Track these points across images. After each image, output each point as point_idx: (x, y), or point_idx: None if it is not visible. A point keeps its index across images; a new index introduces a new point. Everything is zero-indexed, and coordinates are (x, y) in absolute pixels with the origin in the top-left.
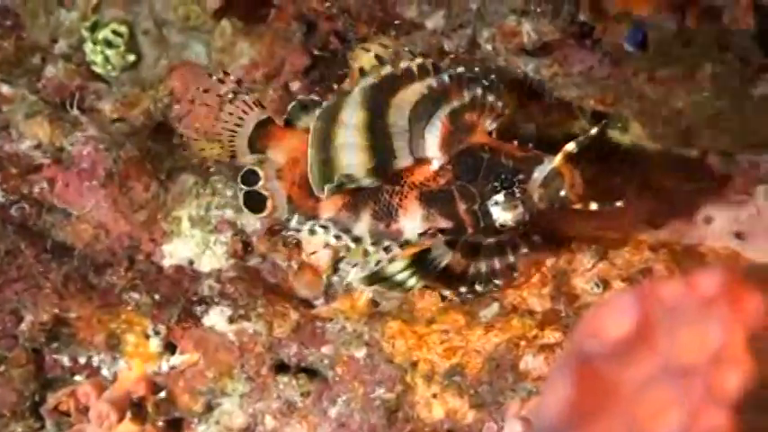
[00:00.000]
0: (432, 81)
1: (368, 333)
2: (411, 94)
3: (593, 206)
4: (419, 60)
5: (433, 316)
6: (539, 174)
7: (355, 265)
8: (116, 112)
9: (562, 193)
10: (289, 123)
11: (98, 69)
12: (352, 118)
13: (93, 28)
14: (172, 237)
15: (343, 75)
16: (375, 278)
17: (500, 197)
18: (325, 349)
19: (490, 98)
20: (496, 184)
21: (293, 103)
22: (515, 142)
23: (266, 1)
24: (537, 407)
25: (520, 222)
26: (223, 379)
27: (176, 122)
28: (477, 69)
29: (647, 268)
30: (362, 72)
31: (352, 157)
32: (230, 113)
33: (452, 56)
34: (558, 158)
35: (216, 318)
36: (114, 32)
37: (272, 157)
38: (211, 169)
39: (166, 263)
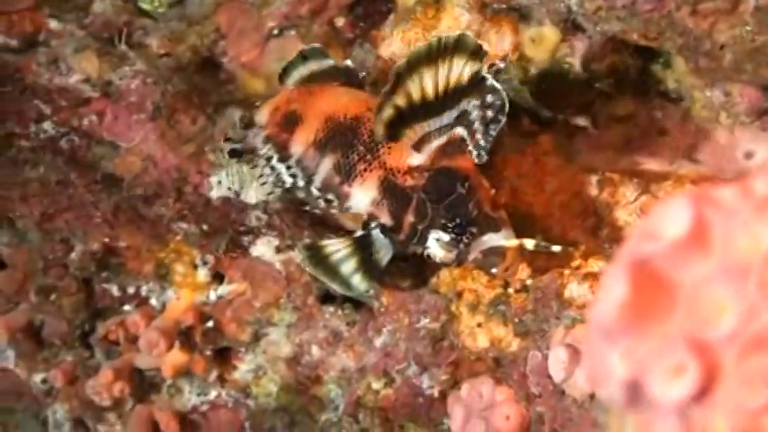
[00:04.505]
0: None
1: None
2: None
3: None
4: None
5: None
6: (488, 239)
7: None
8: (163, 48)
9: (493, 270)
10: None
11: (145, 6)
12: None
13: None
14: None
15: (387, 11)
16: (317, 260)
17: (445, 236)
18: None
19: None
20: (450, 224)
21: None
22: (494, 191)
23: None
24: (592, 307)
25: (444, 264)
26: (270, 309)
27: (222, 57)
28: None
29: None
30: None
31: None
32: None
33: None
34: (513, 242)
35: (263, 248)
36: None
37: (258, 119)
38: (257, 103)
39: (213, 194)
